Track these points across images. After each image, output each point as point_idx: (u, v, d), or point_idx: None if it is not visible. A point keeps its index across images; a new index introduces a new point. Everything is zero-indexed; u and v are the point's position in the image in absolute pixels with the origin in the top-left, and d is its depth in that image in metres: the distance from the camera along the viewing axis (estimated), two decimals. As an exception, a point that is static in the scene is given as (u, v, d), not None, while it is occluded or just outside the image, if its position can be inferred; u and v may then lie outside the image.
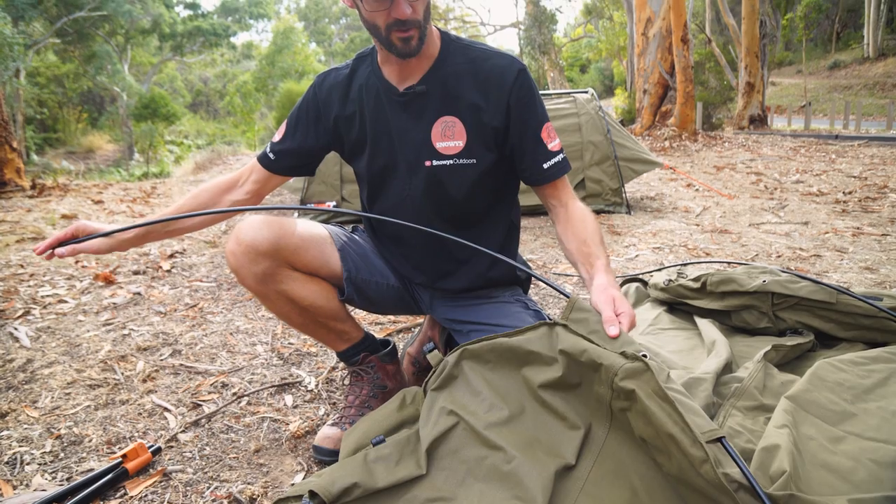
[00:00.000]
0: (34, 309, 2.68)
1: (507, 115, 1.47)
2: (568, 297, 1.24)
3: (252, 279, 1.48)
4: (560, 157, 1.51)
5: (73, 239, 1.47)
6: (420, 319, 2.54)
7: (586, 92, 5.42)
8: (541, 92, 5.57)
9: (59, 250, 1.44)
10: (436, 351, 1.29)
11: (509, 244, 1.68)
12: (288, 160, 1.62)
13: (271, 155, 1.61)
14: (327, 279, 1.59)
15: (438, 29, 1.51)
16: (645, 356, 1.05)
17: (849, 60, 29.07)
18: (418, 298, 1.72)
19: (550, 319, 1.23)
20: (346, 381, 1.99)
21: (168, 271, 3.37)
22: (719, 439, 0.95)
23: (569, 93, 5.43)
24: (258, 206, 1.53)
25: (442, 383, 1.22)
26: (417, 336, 2.01)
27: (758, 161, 8.69)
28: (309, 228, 1.56)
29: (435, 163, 1.49)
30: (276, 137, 1.63)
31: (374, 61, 1.52)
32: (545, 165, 1.50)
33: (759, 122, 15.17)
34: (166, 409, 1.82)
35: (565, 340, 1.13)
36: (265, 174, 1.64)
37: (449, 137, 1.48)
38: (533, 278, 1.64)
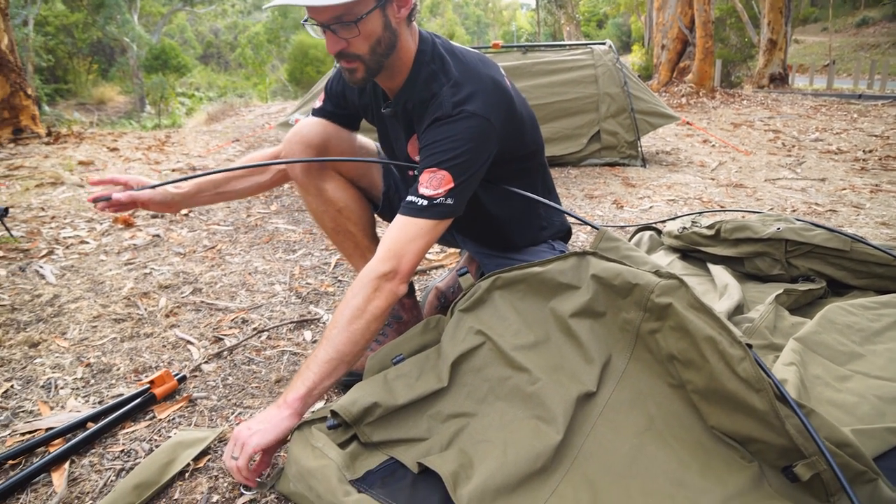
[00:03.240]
0: (57, 249, 2.74)
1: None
2: (597, 228, 1.27)
3: (299, 167, 1.57)
4: (421, 202, 1.30)
5: (128, 188, 1.49)
6: (449, 265, 2.58)
7: (604, 43, 5.33)
8: (556, 43, 5.44)
9: (117, 195, 1.46)
10: (468, 275, 1.33)
11: (529, 214, 1.71)
12: (333, 119, 1.65)
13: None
14: (366, 190, 1.69)
15: (422, 45, 1.43)
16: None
17: (878, 17, 28.09)
18: (451, 235, 1.80)
19: (580, 250, 1.26)
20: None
21: (186, 215, 3.42)
22: (749, 346, 0.99)
23: (586, 44, 5.34)
24: (310, 160, 1.57)
25: (471, 306, 1.26)
26: (450, 273, 2.06)
27: (776, 119, 8.55)
28: (360, 140, 1.67)
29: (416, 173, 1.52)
30: (317, 104, 1.67)
31: None
32: (409, 207, 1.33)
33: (779, 80, 14.82)
34: (189, 342, 1.88)
35: (597, 266, 1.16)
36: None
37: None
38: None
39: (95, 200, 1.46)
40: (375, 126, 1.65)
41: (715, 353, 1.00)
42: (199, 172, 1.56)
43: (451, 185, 1.30)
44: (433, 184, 1.30)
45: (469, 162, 1.32)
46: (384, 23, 1.31)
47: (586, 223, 1.49)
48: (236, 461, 1.12)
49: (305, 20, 1.34)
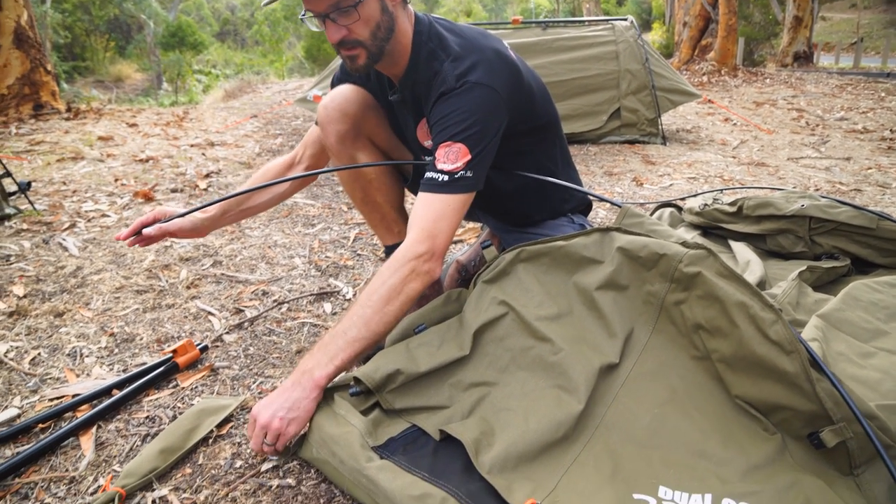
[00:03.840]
0: (79, 222, 2.77)
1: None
2: (619, 206, 1.27)
3: (334, 136, 1.55)
4: (442, 177, 1.29)
5: (156, 221, 1.50)
6: (468, 240, 2.58)
7: (625, 19, 5.25)
8: (577, 19, 5.37)
9: (147, 230, 1.48)
10: (492, 247, 1.33)
11: (547, 191, 1.69)
12: None
13: None
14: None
15: (418, 26, 1.42)
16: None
17: (909, -7, 27.34)
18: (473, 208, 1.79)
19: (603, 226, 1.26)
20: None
21: (205, 190, 3.44)
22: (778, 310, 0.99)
23: (607, 20, 5.26)
24: (339, 168, 1.58)
25: (495, 277, 1.26)
26: (472, 247, 2.06)
27: (800, 98, 8.39)
28: None
29: (428, 158, 1.52)
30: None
31: None
32: (427, 179, 1.32)
33: (804, 59, 14.51)
34: (210, 314, 1.90)
35: (622, 239, 1.16)
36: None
37: (429, 136, 1.49)
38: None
39: (126, 238, 1.47)
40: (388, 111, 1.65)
41: (746, 317, 1.00)
42: (224, 196, 1.56)
43: (469, 157, 1.29)
44: (450, 158, 1.29)
45: (482, 132, 1.31)
46: (381, 6, 1.31)
47: (607, 201, 1.48)
48: (272, 447, 1.12)
49: (303, 15, 1.33)
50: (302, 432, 1.15)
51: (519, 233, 1.73)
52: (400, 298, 1.21)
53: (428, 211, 1.28)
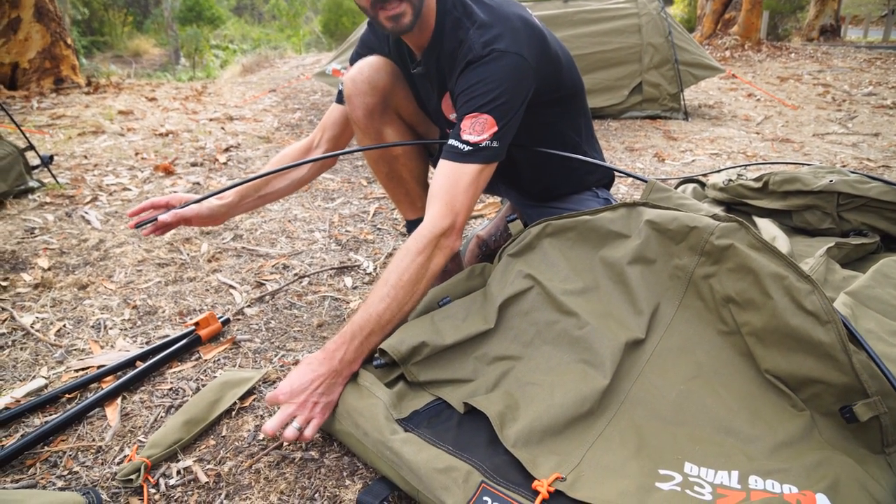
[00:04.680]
0: (101, 196, 2.79)
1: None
2: (645, 181, 1.25)
3: (362, 109, 1.51)
4: (466, 147, 1.27)
5: (169, 206, 1.46)
6: (489, 215, 2.56)
7: (648, -9, 5.13)
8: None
9: (162, 217, 1.42)
10: (518, 220, 1.32)
11: (570, 162, 1.65)
12: None
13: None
14: (423, 136, 1.67)
15: None
16: None
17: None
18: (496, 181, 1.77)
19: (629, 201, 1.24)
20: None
21: (224, 164, 3.44)
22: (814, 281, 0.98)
23: (629, -8, 5.15)
24: (357, 149, 1.55)
25: (520, 251, 1.25)
26: (492, 222, 2.04)
27: (826, 73, 8.20)
28: None
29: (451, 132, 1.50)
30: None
31: None
32: (450, 149, 1.31)
33: (830, 33, 14.14)
34: (231, 287, 1.91)
35: (650, 213, 1.14)
36: (341, 118, 1.64)
37: (454, 110, 1.46)
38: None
39: (139, 225, 1.41)
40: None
41: (780, 288, 0.98)
42: (239, 180, 1.53)
43: (495, 128, 1.27)
44: (476, 129, 1.27)
45: (509, 102, 1.28)
46: None
47: (633, 176, 1.45)
48: (302, 432, 1.09)
49: None
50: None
51: (542, 207, 1.71)
52: (427, 276, 1.21)
53: (450, 182, 1.27)
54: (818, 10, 14.17)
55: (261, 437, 1.21)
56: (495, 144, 1.27)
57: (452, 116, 1.50)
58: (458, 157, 1.27)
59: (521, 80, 1.30)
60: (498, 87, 1.27)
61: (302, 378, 1.10)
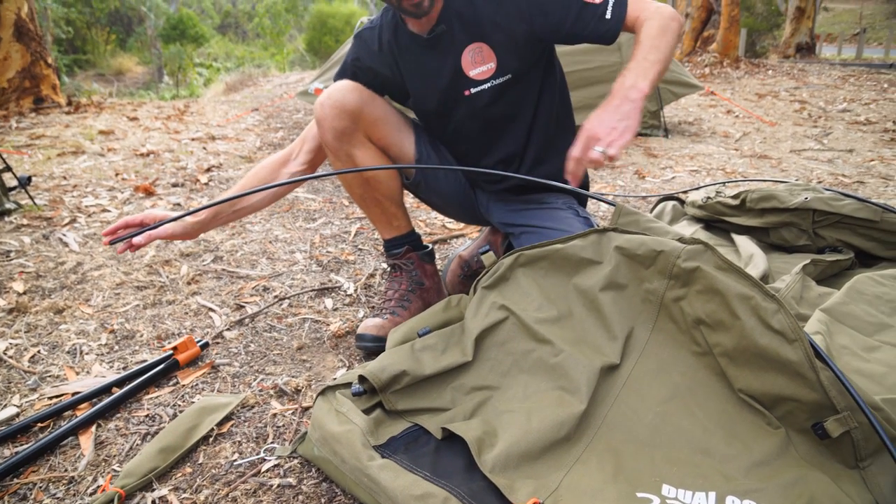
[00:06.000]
0: (80, 217, 2.76)
1: (528, 20, 1.46)
2: (613, 205, 1.26)
3: (331, 133, 1.54)
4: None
5: (144, 227, 1.47)
6: (470, 234, 2.57)
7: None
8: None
9: (136, 239, 1.46)
10: (491, 252, 1.33)
11: (560, 139, 1.67)
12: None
13: None
14: (396, 159, 1.68)
15: None
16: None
17: (910, -17, 27.13)
18: (477, 202, 1.79)
19: (600, 227, 1.25)
20: (387, 277, 2.05)
21: (206, 184, 3.43)
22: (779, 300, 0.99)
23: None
24: (330, 173, 1.55)
25: (494, 283, 1.26)
26: (475, 242, 2.05)
27: (803, 89, 8.35)
28: (393, 108, 1.68)
29: (473, 90, 1.55)
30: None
31: (396, 14, 1.57)
32: (608, 16, 1.43)
33: (806, 50, 14.42)
34: (211, 310, 1.89)
35: (618, 239, 1.15)
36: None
37: (479, 63, 1.52)
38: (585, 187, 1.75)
39: (112, 243, 1.45)
40: (404, 77, 1.62)
41: (747, 308, 0.99)
42: (213, 201, 1.52)
43: None
44: None
45: None
46: None
47: (600, 199, 1.42)
48: (602, 155, 1.21)
49: None
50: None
51: (517, 210, 1.70)
52: (670, 32, 1.37)
53: (638, 6, 1.41)
54: (794, 28, 14.46)
55: (238, 464, 1.19)
56: None
57: (473, 73, 1.53)
58: (623, 4, 1.41)
59: None
60: None
61: (601, 117, 1.27)
